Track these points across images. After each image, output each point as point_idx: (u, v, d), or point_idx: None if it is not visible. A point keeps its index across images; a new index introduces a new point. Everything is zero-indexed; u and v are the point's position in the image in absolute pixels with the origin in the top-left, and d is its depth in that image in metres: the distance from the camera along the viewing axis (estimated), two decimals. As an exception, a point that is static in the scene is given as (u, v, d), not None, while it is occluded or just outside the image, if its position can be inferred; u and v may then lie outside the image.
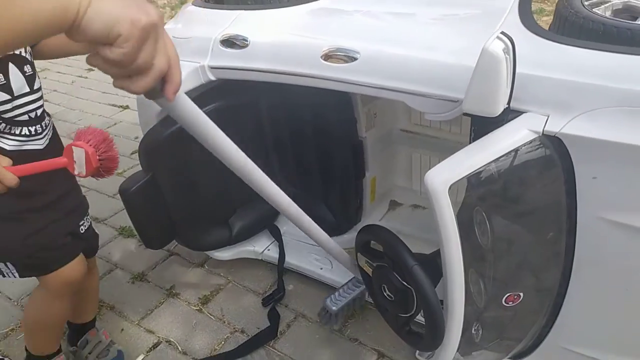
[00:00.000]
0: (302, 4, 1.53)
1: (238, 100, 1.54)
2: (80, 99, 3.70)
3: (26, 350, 1.42)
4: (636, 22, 1.08)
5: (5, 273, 1.20)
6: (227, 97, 1.51)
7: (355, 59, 1.16)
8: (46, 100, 1.17)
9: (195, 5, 1.58)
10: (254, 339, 1.58)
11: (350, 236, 1.73)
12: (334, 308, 1.46)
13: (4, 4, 0.44)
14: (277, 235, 1.82)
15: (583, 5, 1.10)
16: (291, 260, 1.74)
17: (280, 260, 1.75)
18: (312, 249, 1.75)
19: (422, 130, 1.72)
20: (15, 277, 1.21)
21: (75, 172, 1.11)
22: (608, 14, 1.15)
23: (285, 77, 1.26)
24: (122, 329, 1.67)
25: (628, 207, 0.92)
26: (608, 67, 0.91)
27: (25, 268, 1.21)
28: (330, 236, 1.77)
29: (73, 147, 1.10)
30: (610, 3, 1.18)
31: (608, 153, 0.89)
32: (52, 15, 0.46)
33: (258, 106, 1.63)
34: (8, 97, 1.03)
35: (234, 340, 1.60)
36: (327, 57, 1.19)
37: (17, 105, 1.05)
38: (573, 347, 1.18)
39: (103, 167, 1.13)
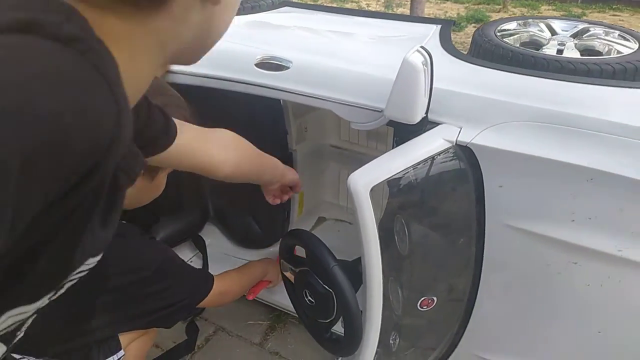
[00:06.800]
0: (242, 15, 1.56)
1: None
2: None
3: None
4: (539, 52, 1.21)
5: None
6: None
7: (288, 67, 1.19)
8: None
9: None
10: (169, 354, 1.51)
11: (276, 249, 1.72)
12: None
13: None
14: (201, 247, 1.77)
15: (496, 35, 1.22)
16: (215, 273, 1.70)
17: (203, 273, 1.70)
18: (237, 262, 1.72)
19: (350, 147, 1.77)
20: None
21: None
22: (517, 44, 1.28)
23: (218, 82, 1.26)
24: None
25: (530, 214, 1.00)
26: (514, 86, 1.01)
27: None
28: (256, 249, 1.77)
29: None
30: (518, 35, 1.31)
31: (512, 163, 0.97)
32: None
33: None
34: None
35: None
36: (260, 64, 1.22)
37: None
38: (484, 353, 1.23)
39: None
